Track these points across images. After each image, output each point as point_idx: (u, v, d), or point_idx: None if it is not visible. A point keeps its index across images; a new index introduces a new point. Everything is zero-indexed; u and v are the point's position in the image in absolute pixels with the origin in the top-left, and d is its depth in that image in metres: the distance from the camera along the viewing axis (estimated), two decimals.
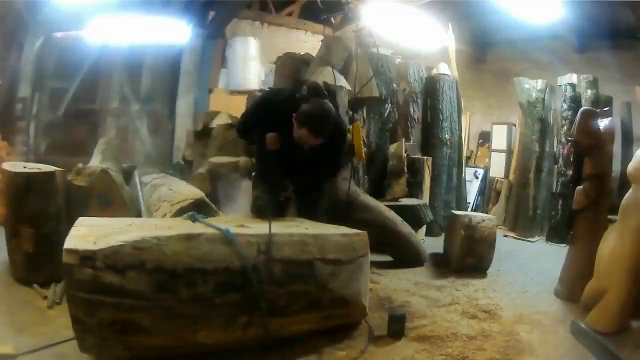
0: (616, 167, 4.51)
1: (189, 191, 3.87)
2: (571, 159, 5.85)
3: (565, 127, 5.97)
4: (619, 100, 6.95)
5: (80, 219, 2.54)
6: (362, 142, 4.10)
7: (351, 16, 6.95)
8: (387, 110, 5.69)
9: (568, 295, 3.65)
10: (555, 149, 6.26)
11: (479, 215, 4.46)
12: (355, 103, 4.99)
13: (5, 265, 3.56)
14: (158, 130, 7.47)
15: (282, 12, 9.17)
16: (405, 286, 3.88)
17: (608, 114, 3.91)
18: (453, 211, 5.02)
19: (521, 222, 6.32)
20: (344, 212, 4.25)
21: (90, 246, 2.16)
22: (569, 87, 6.05)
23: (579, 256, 3.64)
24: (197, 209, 3.40)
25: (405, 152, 5.46)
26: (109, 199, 3.94)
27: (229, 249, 2.41)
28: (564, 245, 4.44)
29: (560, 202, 5.95)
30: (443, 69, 6.47)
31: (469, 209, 7.01)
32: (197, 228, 2.51)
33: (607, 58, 7.66)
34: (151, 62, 7.43)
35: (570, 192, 5.21)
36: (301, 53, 5.96)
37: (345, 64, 5.21)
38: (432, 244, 5.16)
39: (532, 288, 4.01)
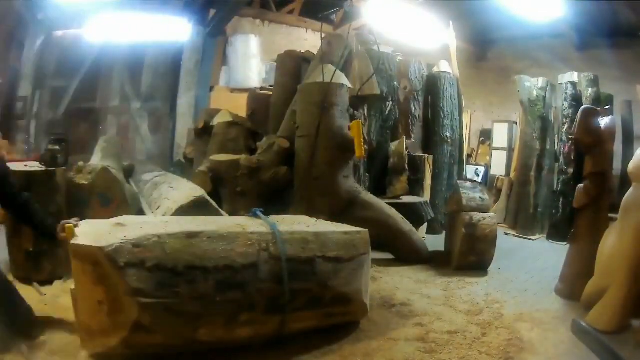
0: (617, 165, 4.49)
1: (190, 189, 3.87)
2: (572, 157, 5.85)
3: (566, 125, 5.96)
4: (620, 99, 6.94)
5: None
6: (362, 140, 4.10)
7: (352, 14, 6.95)
8: (388, 108, 5.68)
9: (569, 294, 3.65)
10: (556, 147, 6.25)
11: (479, 213, 4.46)
12: (357, 101, 4.98)
13: (5, 264, 3.56)
14: (159, 128, 7.49)
15: (283, 10, 9.16)
16: (406, 284, 3.89)
17: (609, 113, 3.89)
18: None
19: (522, 220, 6.32)
20: (345, 210, 4.26)
21: (91, 243, 2.17)
22: (569, 85, 6.03)
23: (580, 254, 3.63)
24: (198, 207, 3.41)
25: (406, 150, 5.46)
26: (110, 197, 3.94)
27: (229, 247, 2.41)
28: (565, 243, 4.43)
29: (561, 200, 5.94)
30: (444, 66, 6.46)
31: None
32: (197, 226, 2.51)
33: (607, 56, 7.65)
34: (152, 60, 7.43)
35: (571, 190, 5.21)
36: (302, 51, 5.95)
37: (346, 61, 5.20)
38: (433, 242, 5.17)
39: (532, 286, 4.01)
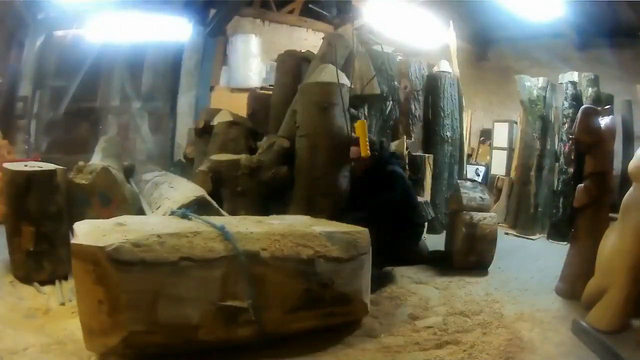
0: (617, 165, 4.50)
1: (190, 189, 3.87)
2: (572, 157, 5.85)
3: (566, 125, 5.96)
4: (620, 98, 6.94)
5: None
6: (367, 139, 4.10)
7: (352, 14, 6.96)
8: (389, 108, 5.68)
9: (569, 293, 3.65)
10: (556, 147, 6.26)
11: (480, 212, 4.46)
12: (357, 100, 4.98)
13: (6, 264, 3.56)
14: (159, 128, 7.49)
15: (284, 9, 9.16)
16: (406, 284, 3.88)
17: (609, 112, 3.89)
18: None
19: (522, 219, 6.32)
20: (345, 209, 4.25)
21: (92, 243, 2.17)
22: (570, 85, 6.03)
23: (580, 254, 3.64)
24: (199, 207, 3.40)
25: (406, 150, 5.45)
26: (110, 197, 3.94)
27: (229, 247, 2.41)
28: (565, 243, 4.43)
29: (561, 199, 5.94)
30: (444, 66, 6.46)
31: None
32: (198, 226, 2.51)
33: (608, 56, 7.65)
34: (152, 60, 7.43)
35: (571, 190, 5.21)
36: (302, 50, 5.94)
37: (346, 61, 5.19)
38: (434, 242, 5.16)
39: (533, 286, 4.01)
